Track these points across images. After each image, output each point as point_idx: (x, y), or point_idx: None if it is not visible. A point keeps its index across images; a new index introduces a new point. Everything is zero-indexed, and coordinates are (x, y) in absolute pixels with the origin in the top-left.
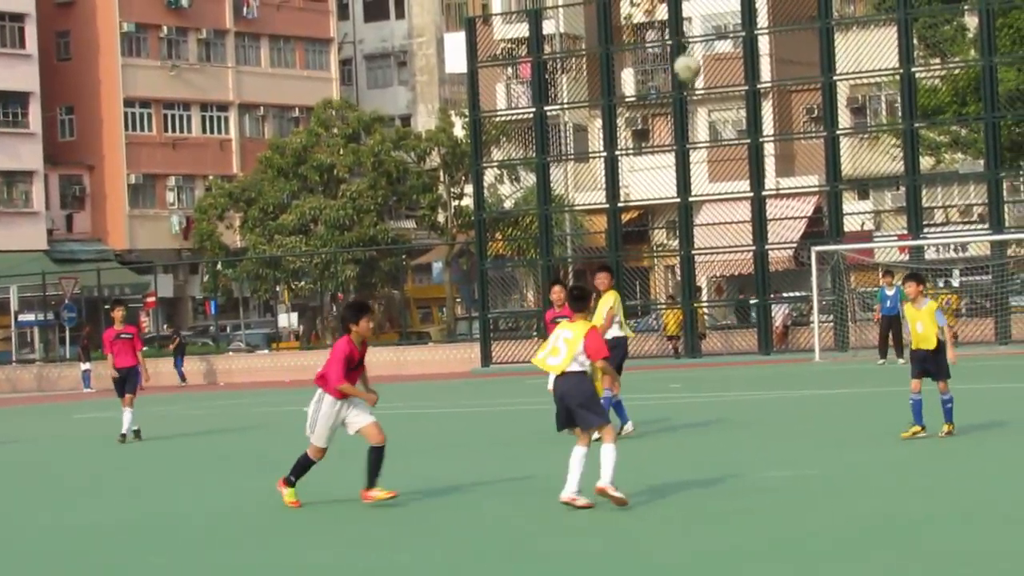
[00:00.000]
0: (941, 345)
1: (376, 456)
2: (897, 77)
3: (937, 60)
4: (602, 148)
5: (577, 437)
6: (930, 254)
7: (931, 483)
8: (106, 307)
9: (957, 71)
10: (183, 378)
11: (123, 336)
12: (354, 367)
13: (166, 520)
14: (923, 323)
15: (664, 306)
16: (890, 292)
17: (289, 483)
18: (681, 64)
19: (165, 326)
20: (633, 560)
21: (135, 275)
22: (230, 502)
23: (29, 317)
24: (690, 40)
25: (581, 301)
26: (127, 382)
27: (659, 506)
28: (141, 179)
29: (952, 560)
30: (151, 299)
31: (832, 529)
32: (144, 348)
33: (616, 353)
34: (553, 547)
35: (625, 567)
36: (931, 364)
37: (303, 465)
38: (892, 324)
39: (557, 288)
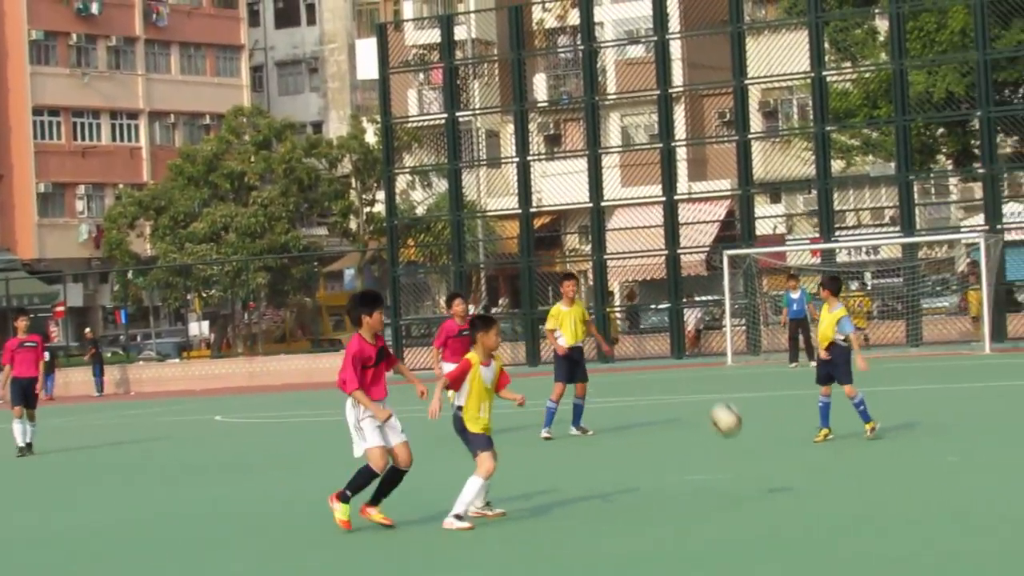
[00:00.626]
0: (840, 350)
1: (394, 477)
2: (808, 81)
3: (848, 64)
4: (514, 153)
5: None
6: (842, 257)
7: (840, 487)
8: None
9: (868, 74)
10: (101, 388)
11: (27, 345)
12: (372, 364)
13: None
14: (824, 326)
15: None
16: (795, 295)
17: (343, 498)
18: (725, 423)
19: (88, 332)
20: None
21: (44, 285)
22: (126, 515)
23: None
24: (602, 45)
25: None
26: (27, 393)
27: (565, 512)
28: (50, 188)
29: (846, 566)
30: (60, 309)
31: (735, 534)
32: (46, 359)
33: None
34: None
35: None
36: (831, 368)
37: (364, 478)
38: (800, 327)
39: (458, 301)
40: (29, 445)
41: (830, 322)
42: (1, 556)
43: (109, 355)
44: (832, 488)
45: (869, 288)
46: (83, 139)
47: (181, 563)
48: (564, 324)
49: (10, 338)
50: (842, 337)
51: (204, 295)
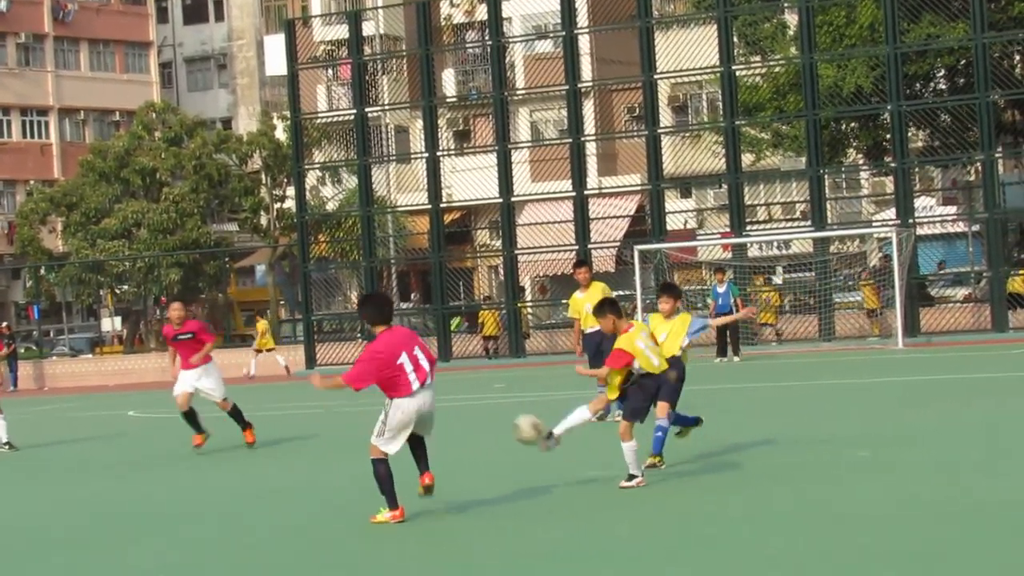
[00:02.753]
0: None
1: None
2: (718, 75)
3: (758, 58)
4: (424, 149)
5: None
6: (753, 251)
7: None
8: None
9: (777, 68)
10: (15, 383)
11: None
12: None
13: None
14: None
15: (484, 306)
16: (721, 289)
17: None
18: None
19: (5, 326)
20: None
21: None
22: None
23: None
24: (510, 40)
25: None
26: None
27: (478, 508)
28: None
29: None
30: None
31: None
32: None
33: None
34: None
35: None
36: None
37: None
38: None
39: (176, 305)
40: None
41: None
42: None
43: (23, 350)
44: (728, 480)
45: (780, 283)
46: None
47: (71, 556)
48: (581, 310)
49: None
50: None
51: (117, 291)
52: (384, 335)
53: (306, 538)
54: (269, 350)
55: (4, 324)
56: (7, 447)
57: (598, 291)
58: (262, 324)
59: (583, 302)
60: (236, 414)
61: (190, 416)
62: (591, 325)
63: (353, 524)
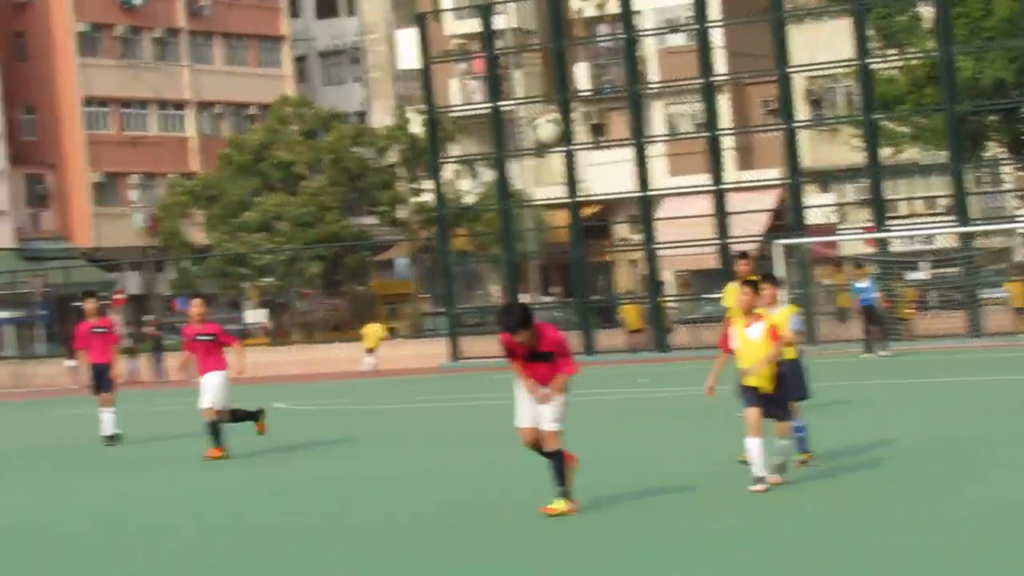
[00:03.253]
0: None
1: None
2: (853, 69)
3: (894, 51)
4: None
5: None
6: (896, 246)
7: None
8: (74, 304)
9: (914, 61)
10: (162, 375)
11: (96, 331)
12: (524, 357)
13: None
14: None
15: (626, 301)
16: (863, 284)
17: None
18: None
19: (152, 319)
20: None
21: (103, 272)
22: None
23: (2, 315)
24: (642, 34)
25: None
26: (103, 380)
27: (627, 501)
28: (104, 177)
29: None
30: (119, 296)
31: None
32: (119, 343)
33: None
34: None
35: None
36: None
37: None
38: (869, 315)
39: (198, 302)
40: (114, 436)
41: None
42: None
43: (168, 343)
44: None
45: (927, 278)
46: (133, 129)
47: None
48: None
49: (80, 322)
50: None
51: (260, 284)
52: (541, 325)
53: (472, 524)
54: (370, 349)
55: (152, 317)
56: (111, 440)
57: None
58: (371, 328)
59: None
60: (235, 418)
61: (216, 428)
62: None
63: (518, 514)
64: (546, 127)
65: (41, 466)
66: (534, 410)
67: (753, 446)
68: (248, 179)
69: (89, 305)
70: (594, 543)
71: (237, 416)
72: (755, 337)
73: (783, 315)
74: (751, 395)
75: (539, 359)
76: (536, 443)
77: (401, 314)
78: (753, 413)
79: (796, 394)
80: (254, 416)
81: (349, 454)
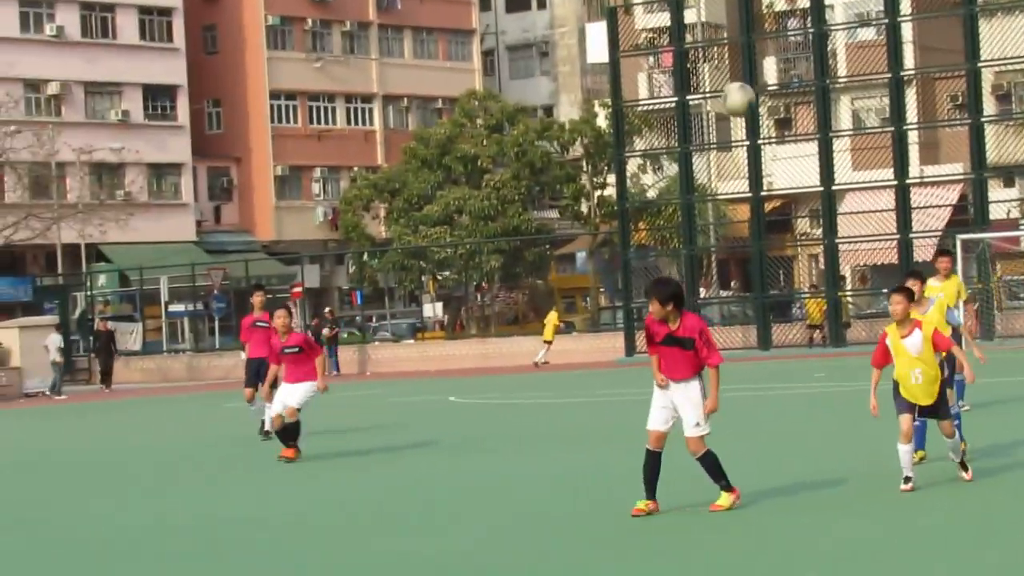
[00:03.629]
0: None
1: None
2: None
3: None
4: (744, 137)
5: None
6: None
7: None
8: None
9: None
10: (337, 368)
11: (259, 324)
12: (659, 342)
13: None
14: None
15: (808, 295)
16: None
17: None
18: (735, 98)
19: (327, 312)
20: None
21: (282, 266)
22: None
23: (179, 308)
24: (832, 27)
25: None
26: (260, 375)
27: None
28: (287, 171)
29: None
30: (297, 289)
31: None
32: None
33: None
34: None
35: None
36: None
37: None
38: None
39: (282, 313)
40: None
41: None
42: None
43: (345, 335)
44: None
45: None
46: (318, 123)
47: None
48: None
49: (247, 315)
50: None
51: (438, 277)
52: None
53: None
54: (547, 342)
55: (328, 309)
56: (267, 436)
57: (953, 285)
58: (552, 316)
59: (937, 291)
60: (293, 428)
61: (286, 431)
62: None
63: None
64: (735, 93)
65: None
66: (666, 413)
67: (903, 451)
68: (431, 172)
69: (256, 299)
70: (758, 540)
71: (290, 431)
72: (915, 350)
73: (938, 313)
74: (904, 403)
75: (676, 344)
76: (662, 447)
77: (579, 308)
78: (905, 420)
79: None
80: (295, 438)
81: (514, 449)
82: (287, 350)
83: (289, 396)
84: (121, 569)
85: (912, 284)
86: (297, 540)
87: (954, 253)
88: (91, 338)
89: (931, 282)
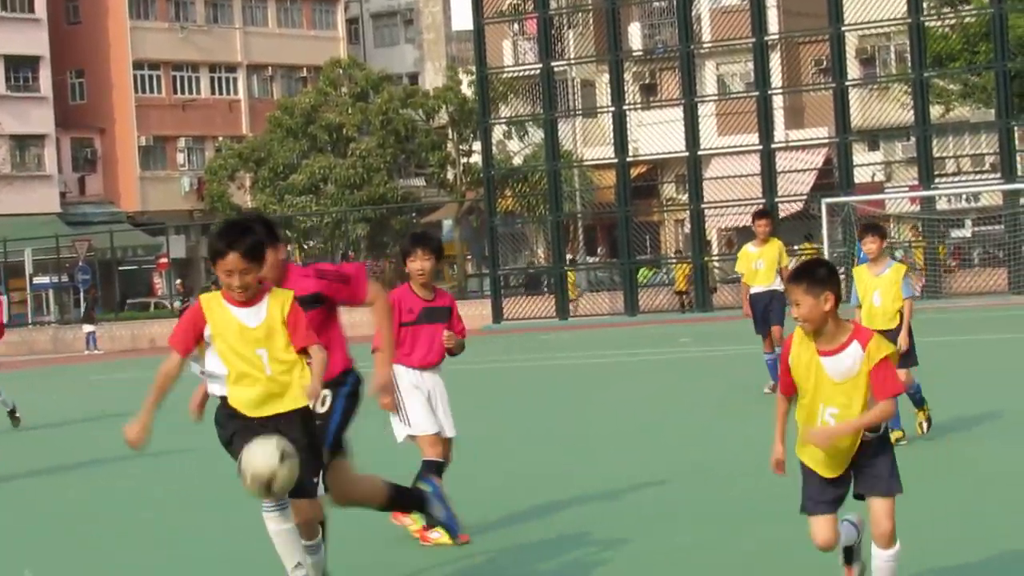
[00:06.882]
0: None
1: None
2: (906, 27)
3: (948, 8)
4: (610, 103)
5: None
6: (942, 205)
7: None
8: (120, 268)
9: (968, 19)
10: None
11: None
12: (406, 323)
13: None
14: (882, 294)
15: (674, 260)
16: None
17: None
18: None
19: (178, 283)
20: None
21: (148, 237)
22: None
23: (43, 280)
24: None
25: None
26: None
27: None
28: (151, 141)
29: None
30: (163, 260)
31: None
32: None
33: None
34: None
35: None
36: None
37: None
38: None
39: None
40: None
41: (895, 286)
42: None
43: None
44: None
45: (969, 235)
46: (183, 93)
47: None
48: (750, 266)
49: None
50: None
51: (305, 246)
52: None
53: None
54: None
55: (177, 281)
56: None
57: (774, 249)
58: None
59: (755, 258)
60: None
61: None
62: (759, 283)
63: None
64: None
65: None
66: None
67: None
68: (296, 142)
69: None
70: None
71: None
72: (840, 373)
73: (896, 275)
74: (814, 486)
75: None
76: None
77: (446, 276)
78: (821, 526)
79: (911, 361)
80: None
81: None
82: None
83: None
84: None
85: (871, 240)
86: None
87: (774, 215)
88: None
89: (748, 247)
